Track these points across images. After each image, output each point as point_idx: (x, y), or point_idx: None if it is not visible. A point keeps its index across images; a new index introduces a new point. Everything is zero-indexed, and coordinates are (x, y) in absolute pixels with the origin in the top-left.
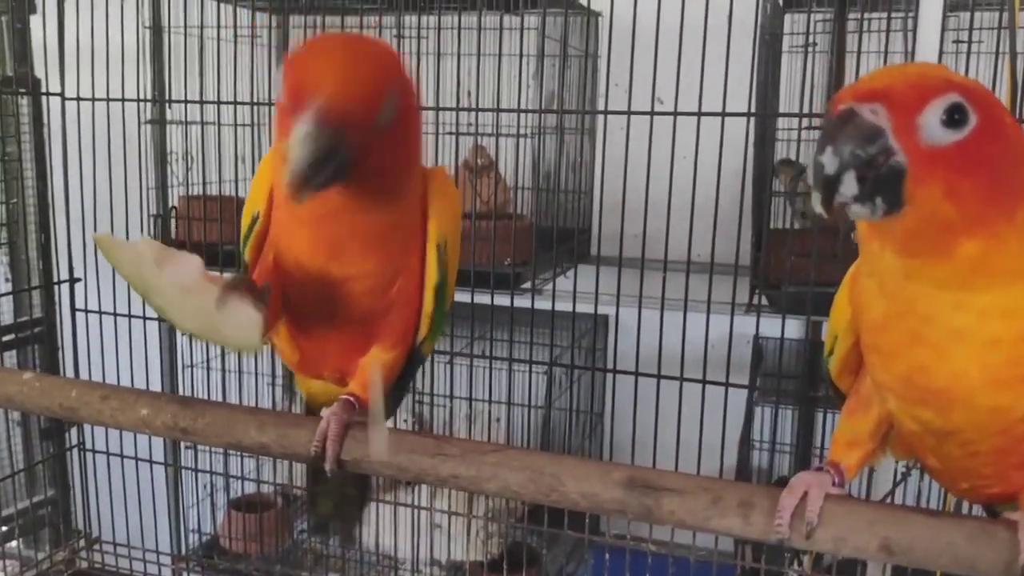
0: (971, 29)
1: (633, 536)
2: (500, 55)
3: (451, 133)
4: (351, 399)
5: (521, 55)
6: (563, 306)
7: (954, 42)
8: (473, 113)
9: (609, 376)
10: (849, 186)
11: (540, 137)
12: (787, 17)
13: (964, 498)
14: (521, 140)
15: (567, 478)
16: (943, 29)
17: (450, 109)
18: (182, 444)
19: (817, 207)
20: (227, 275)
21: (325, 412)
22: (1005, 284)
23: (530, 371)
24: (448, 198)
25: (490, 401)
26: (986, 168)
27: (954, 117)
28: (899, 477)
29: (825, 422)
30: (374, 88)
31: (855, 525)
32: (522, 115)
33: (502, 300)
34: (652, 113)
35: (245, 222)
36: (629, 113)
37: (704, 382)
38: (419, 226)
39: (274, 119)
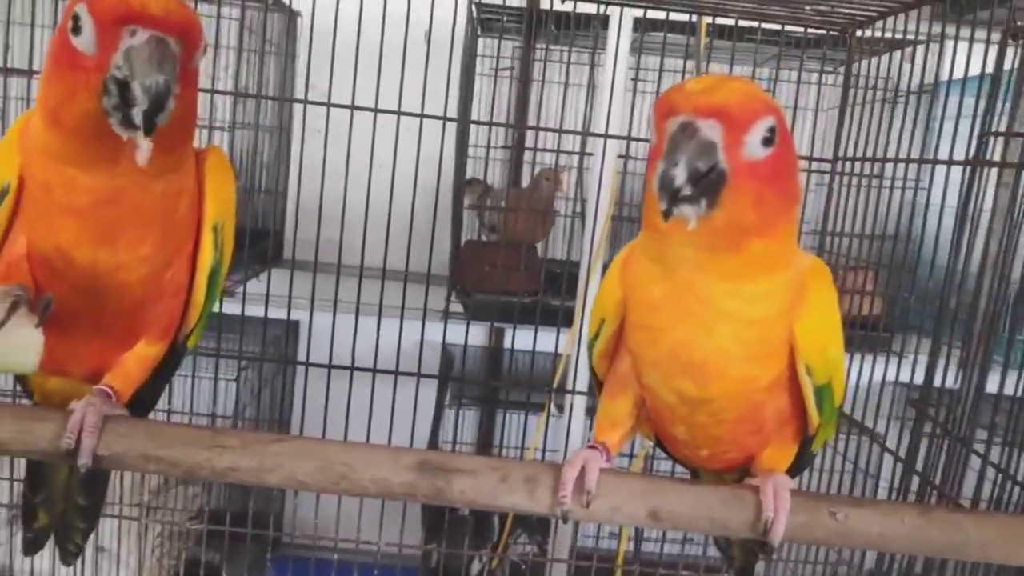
0: (661, 70)
1: (318, 545)
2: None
3: None
4: (108, 390)
5: (216, 45)
6: (255, 311)
7: (632, 79)
8: None
9: (300, 381)
10: (687, 193)
11: (245, 131)
12: (481, 41)
13: (700, 467)
14: (216, 134)
15: (358, 465)
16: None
17: None
18: None
19: (663, 205)
20: (2, 288)
21: (76, 404)
22: (767, 273)
23: (216, 375)
24: (225, 178)
25: (169, 411)
26: (780, 179)
27: (766, 137)
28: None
29: (519, 423)
30: (199, 22)
31: (627, 495)
32: (215, 108)
33: None
34: (352, 108)
35: None
36: (329, 105)
37: (397, 373)
38: (195, 206)
39: (54, 69)
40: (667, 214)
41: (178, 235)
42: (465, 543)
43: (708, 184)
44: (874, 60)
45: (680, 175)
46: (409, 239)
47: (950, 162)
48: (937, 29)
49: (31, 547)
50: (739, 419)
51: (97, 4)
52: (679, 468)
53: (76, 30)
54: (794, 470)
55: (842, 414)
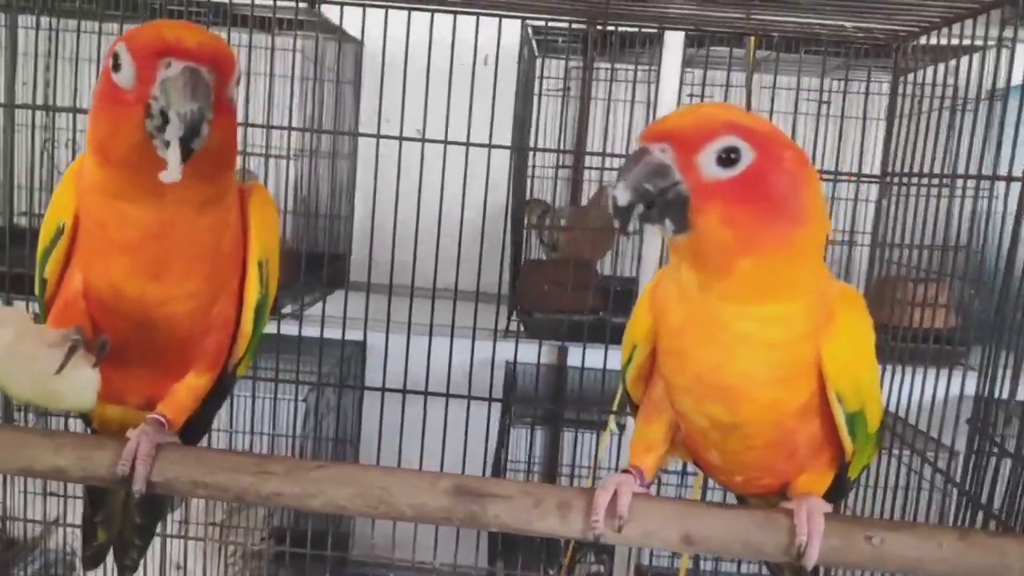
0: (704, 85)
1: (379, 562)
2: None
3: None
4: (161, 419)
5: (271, 74)
6: (316, 332)
7: (688, 95)
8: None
9: (365, 401)
10: (636, 213)
11: (313, 159)
12: (538, 62)
13: (737, 491)
14: (281, 162)
15: (395, 490)
16: (680, 83)
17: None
18: None
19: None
20: (61, 331)
21: (131, 432)
22: (782, 297)
23: (275, 395)
24: (269, 214)
25: (232, 431)
26: (760, 199)
27: (729, 156)
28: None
29: (576, 442)
30: (231, 53)
31: (660, 520)
32: (283, 137)
33: None
34: (400, 139)
35: (46, 235)
36: (378, 137)
37: (448, 396)
38: (240, 242)
39: (99, 106)
40: (622, 232)
41: (224, 270)
42: (519, 562)
43: (665, 204)
44: (926, 70)
45: (621, 195)
46: (458, 259)
47: (994, 177)
48: (981, 33)
49: (91, 563)
50: (770, 445)
51: (134, 41)
52: None
53: (116, 67)
54: (833, 496)
55: (912, 429)
